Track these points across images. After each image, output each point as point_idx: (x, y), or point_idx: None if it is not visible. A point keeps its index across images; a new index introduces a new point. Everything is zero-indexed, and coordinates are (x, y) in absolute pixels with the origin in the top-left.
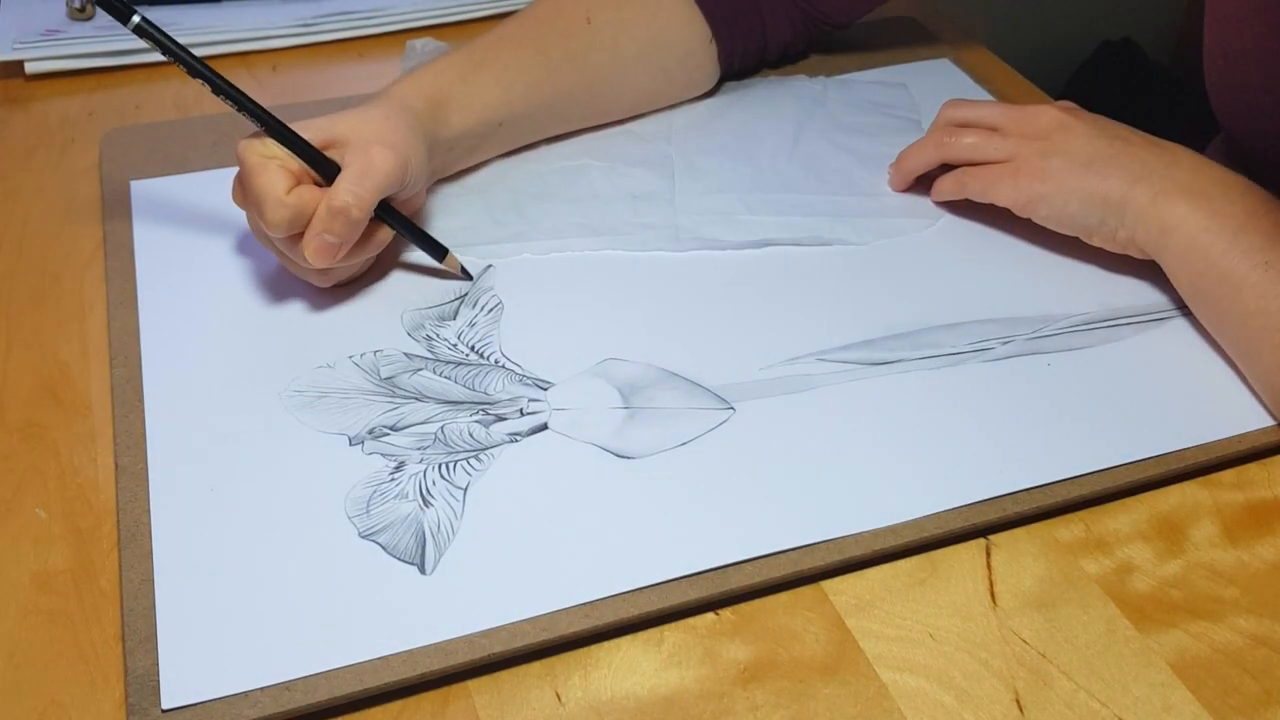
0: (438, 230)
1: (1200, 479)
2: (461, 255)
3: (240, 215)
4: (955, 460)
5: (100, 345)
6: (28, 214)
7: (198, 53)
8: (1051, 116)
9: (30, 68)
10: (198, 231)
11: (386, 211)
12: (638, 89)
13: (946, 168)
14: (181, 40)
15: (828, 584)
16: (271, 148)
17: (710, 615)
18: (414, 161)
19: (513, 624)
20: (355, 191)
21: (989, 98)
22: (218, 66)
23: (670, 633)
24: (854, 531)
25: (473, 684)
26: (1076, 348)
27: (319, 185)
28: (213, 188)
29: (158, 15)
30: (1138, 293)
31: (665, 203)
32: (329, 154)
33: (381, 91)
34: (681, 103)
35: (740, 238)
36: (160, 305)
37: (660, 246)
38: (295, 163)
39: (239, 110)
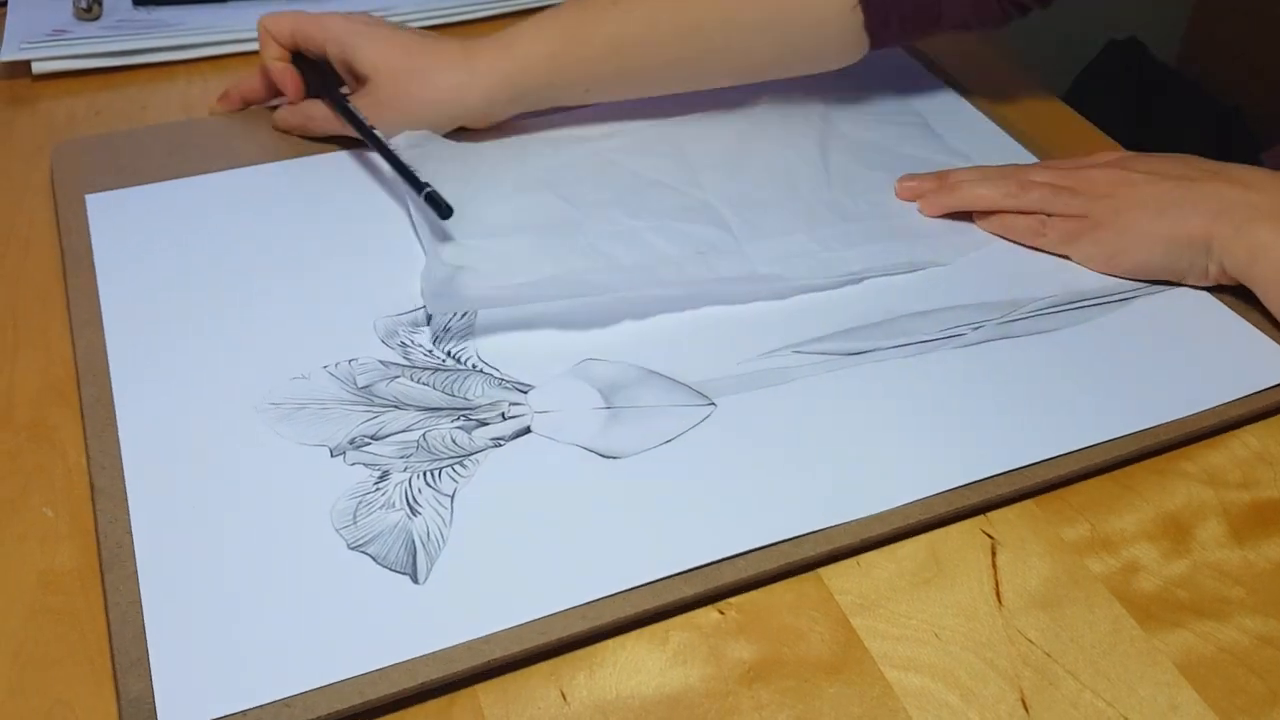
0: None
1: (1206, 478)
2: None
3: (203, 227)
4: (939, 445)
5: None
6: (34, 213)
7: (205, 53)
8: (1110, 175)
9: (37, 67)
10: (159, 244)
11: (344, 111)
12: (759, 60)
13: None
14: (189, 40)
15: (832, 583)
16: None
17: (715, 614)
18: (395, 58)
19: (512, 628)
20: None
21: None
22: (224, 66)
23: (675, 632)
24: (842, 521)
25: (478, 683)
26: (1046, 330)
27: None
28: (171, 199)
29: (163, 15)
30: (1100, 275)
31: (734, 253)
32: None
33: (471, 42)
34: (697, 132)
35: (831, 276)
36: (126, 322)
37: (762, 296)
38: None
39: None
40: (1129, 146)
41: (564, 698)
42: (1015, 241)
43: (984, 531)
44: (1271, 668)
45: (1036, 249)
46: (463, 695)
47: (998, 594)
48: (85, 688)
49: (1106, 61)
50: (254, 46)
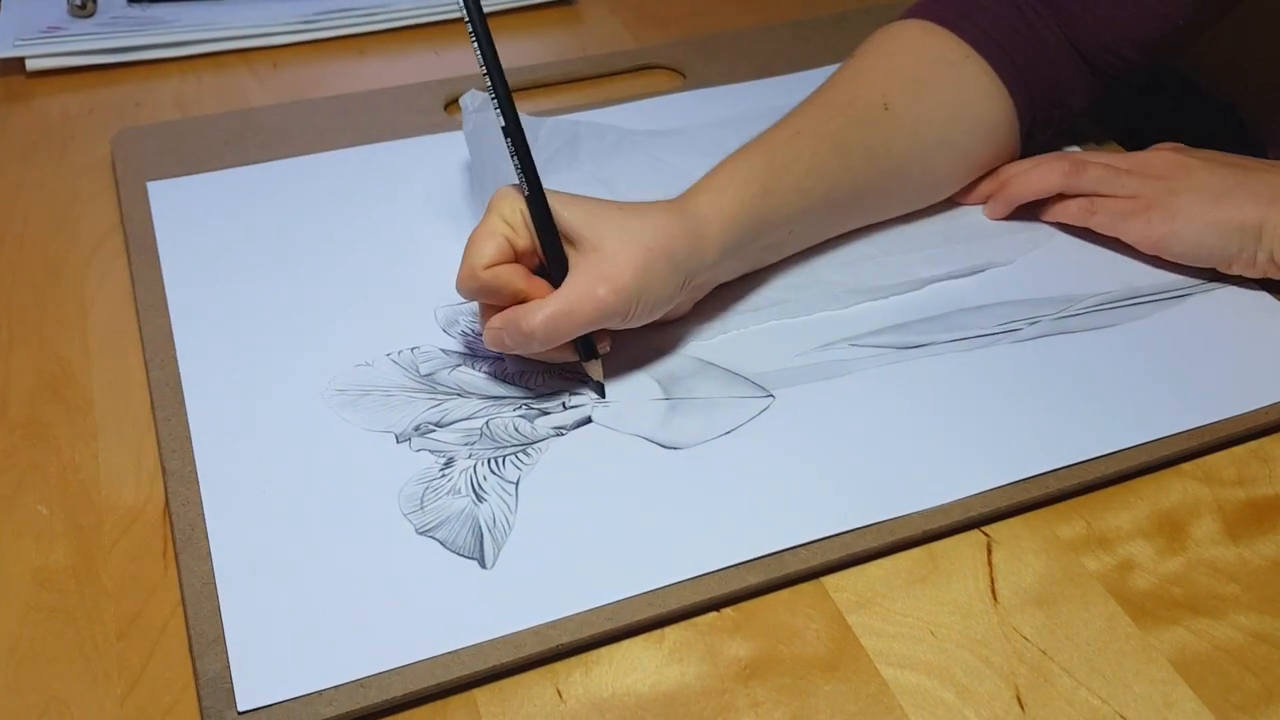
0: None
1: (1202, 476)
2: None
3: (263, 215)
4: (997, 440)
5: (101, 342)
6: (29, 211)
7: (199, 50)
8: (1166, 158)
9: (31, 64)
10: (221, 232)
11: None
12: (938, 177)
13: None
14: (183, 37)
15: (828, 580)
16: (514, 213)
17: (711, 612)
18: (645, 304)
19: (579, 614)
20: (548, 329)
21: None
22: (219, 63)
23: (671, 630)
24: (908, 512)
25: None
26: (1102, 326)
27: (540, 264)
28: (232, 187)
29: (157, 12)
30: (1156, 271)
31: (794, 259)
32: (567, 244)
33: (680, 201)
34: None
35: (894, 280)
36: (191, 307)
37: (824, 307)
38: (525, 239)
39: (512, 156)
40: (1124, 144)
41: (560, 696)
42: (1065, 224)
43: (980, 529)
44: (1266, 665)
45: (1087, 230)
46: (459, 694)
47: (993, 591)
48: (81, 685)
49: None
50: (247, 44)
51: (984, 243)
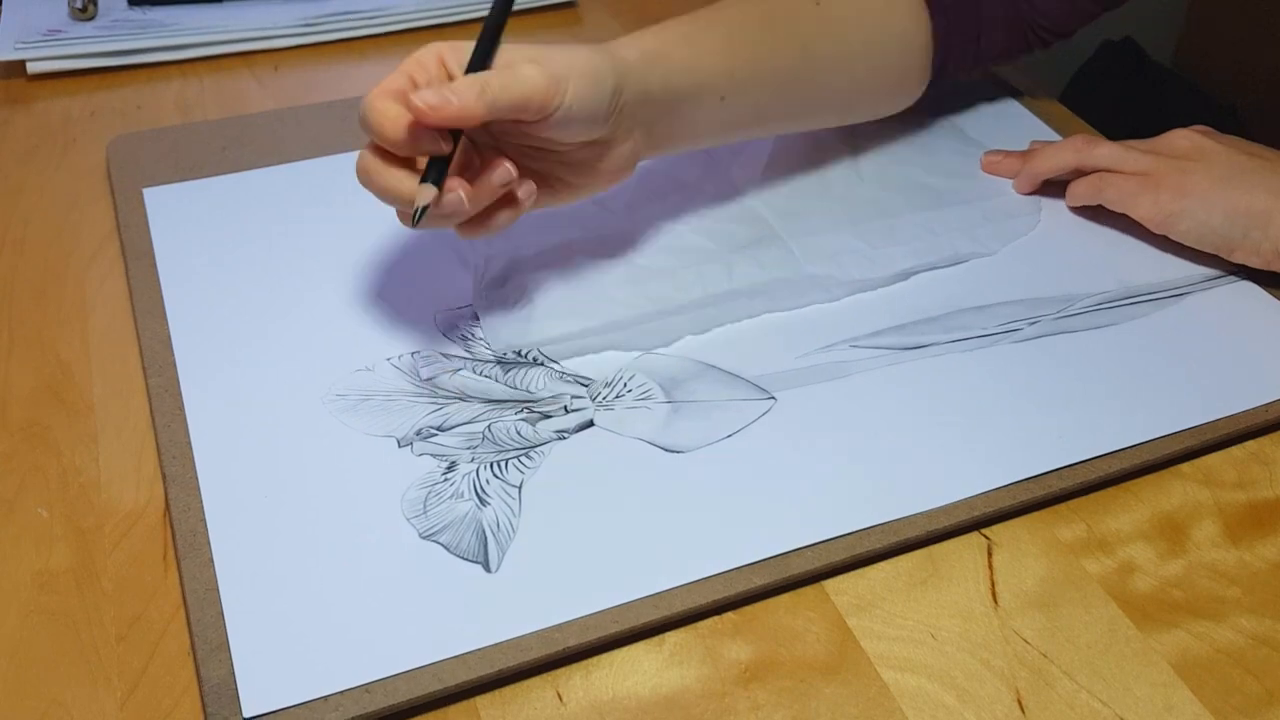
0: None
1: (1202, 478)
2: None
3: (260, 220)
4: (999, 440)
5: (102, 345)
6: (29, 213)
7: (200, 53)
8: (1186, 138)
9: (32, 67)
10: (218, 238)
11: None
12: (856, 84)
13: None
14: (184, 40)
15: (829, 583)
16: (426, 53)
17: (712, 616)
18: (575, 93)
19: (584, 617)
20: (478, 78)
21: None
22: (220, 66)
23: (671, 633)
24: (911, 513)
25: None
26: (1102, 325)
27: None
28: (229, 193)
29: (158, 15)
30: (1153, 270)
31: (780, 248)
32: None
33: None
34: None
35: (880, 273)
36: (189, 313)
37: (814, 298)
38: (433, 72)
39: None
40: None
41: (560, 699)
42: (1054, 219)
43: (980, 532)
44: (1267, 667)
45: (1076, 222)
46: (459, 697)
47: (994, 594)
48: (81, 688)
49: (1101, 61)
50: (248, 47)
51: (967, 234)
